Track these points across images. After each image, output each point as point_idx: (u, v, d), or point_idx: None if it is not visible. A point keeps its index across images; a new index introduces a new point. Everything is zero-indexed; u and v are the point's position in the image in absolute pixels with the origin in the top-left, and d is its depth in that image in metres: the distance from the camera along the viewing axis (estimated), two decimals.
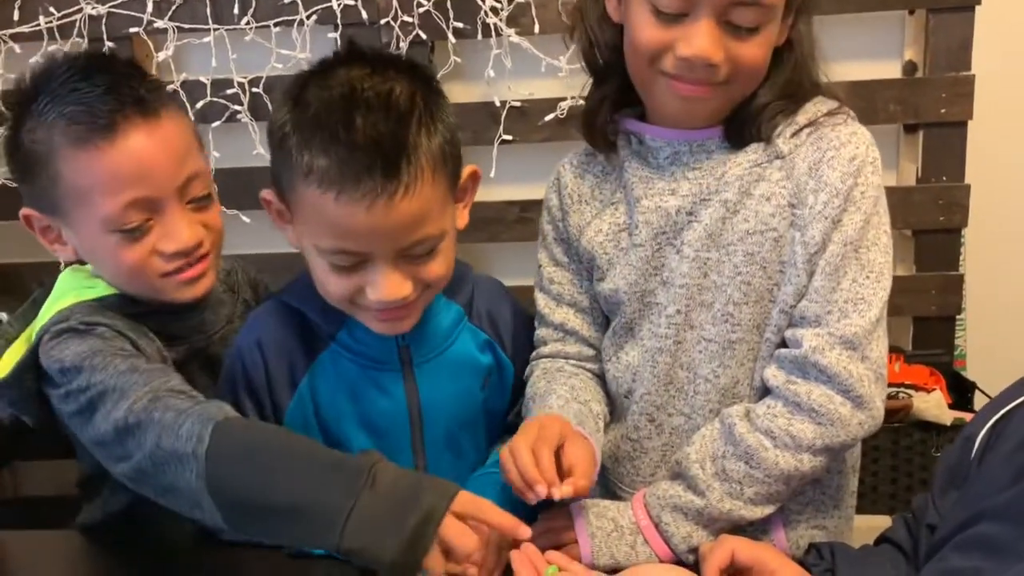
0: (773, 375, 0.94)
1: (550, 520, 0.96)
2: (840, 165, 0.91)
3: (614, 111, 1.00)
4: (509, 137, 1.66)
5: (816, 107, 0.96)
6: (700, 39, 0.87)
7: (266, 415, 0.98)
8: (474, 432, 1.05)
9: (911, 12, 1.60)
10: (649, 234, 0.97)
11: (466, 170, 0.96)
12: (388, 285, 0.89)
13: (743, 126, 0.95)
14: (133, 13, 1.64)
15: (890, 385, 1.48)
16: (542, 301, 1.08)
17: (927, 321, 1.67)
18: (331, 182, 0.85)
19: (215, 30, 1.64)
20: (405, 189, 0.85)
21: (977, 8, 1.54)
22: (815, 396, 0.91)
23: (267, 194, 0.95)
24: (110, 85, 0.94)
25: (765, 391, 0.96)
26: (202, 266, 1.01)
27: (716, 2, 0.87)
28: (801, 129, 0.94)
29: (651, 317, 0.99)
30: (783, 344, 0.95)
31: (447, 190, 0.91)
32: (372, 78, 0.88)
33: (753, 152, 0.95)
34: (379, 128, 0.84)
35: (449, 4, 1.60)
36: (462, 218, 0.98)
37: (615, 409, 1.05)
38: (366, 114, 0.85)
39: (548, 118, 1.64)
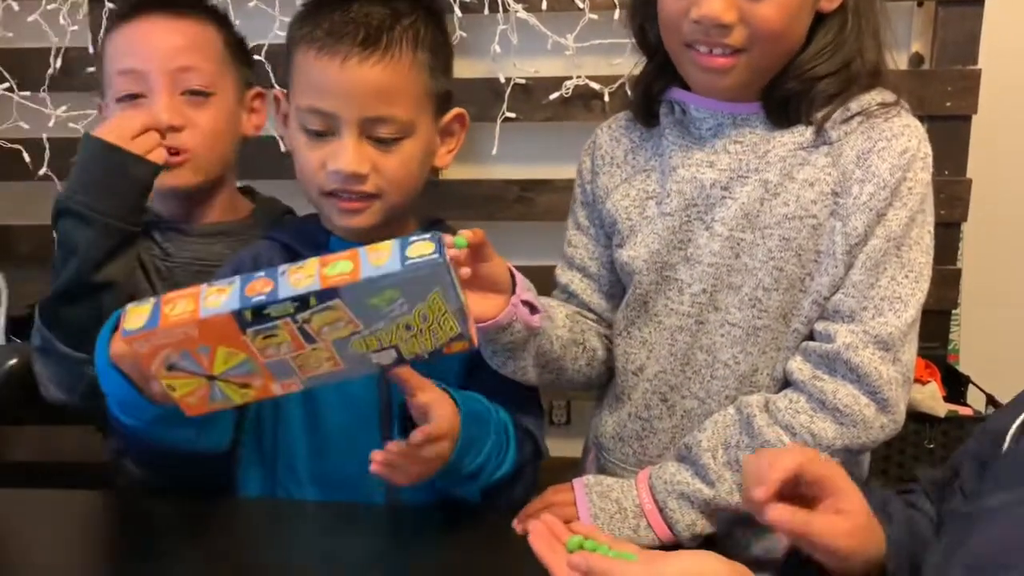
0: (799, 368, 0.93)
1: (553, 495, 0.96)
2: (890, 157, 0.90)
3: (659, 86, 1.00)
4: (512, 115, 1.64)
5: (871, 96, 0.94)
6: (711, 1, 0.87)
7: None
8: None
9: (920, 4, 1.60)
10: (680, 204, 0.96)
11: (454, 110, 1.02)
12: (347, 154, 0.94)
13: (785, 103, 0.93)
14: None
15: None
16: (560, 263, 1.08)
17: (924, 314, 1.64)
18: (316, 39, 0.94)
19: None
20: (379, 57, 0.93)
21: (987, 2, 1.54)
22: (841, 395, 0.90)
23: (278, 92, 1.03)
24: None
25: (785, 382, 0.95)
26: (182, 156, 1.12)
27: None
28: (852, 116, 0.92)
29: (668, 293, 0.98)
30: (810, 336, 0.94)
31: (427, 96, 0.98)
32: None
33: (799, 134, 0.93)
34: (371, 15, 0.94)
35: None
36: (443, 158, 1.03)
37: (621, 386, 1.04)
38: (363, 4, 0.95)
39: (552, 97, 1.63)
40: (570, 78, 1.61)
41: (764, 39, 0.90)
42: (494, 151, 1.65)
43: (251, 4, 1.61)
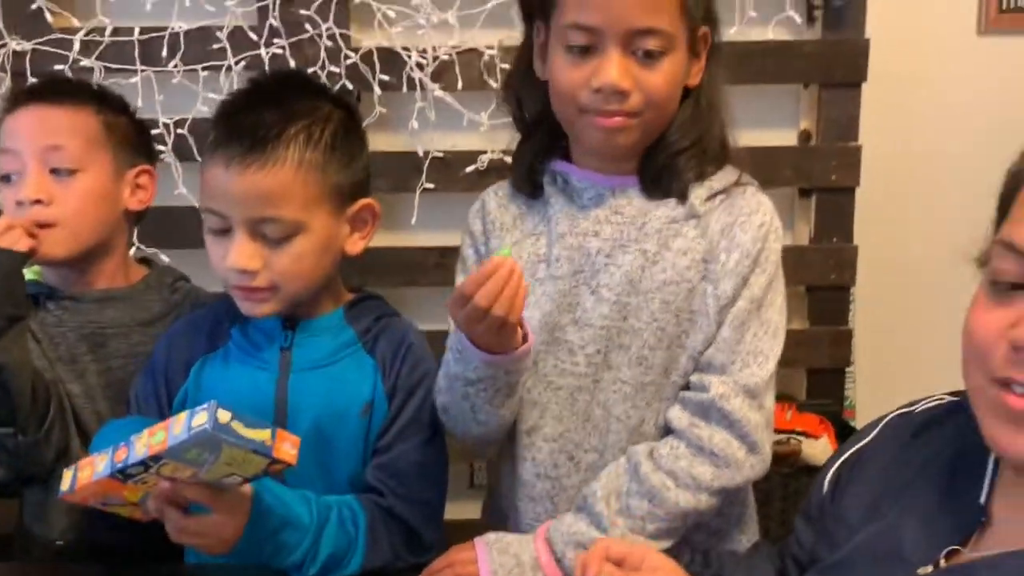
0: (678, 417, 1.01)
1: (454, 553, 1.00)
2: (751, 229, 1.01)
3: (540, 159, 1.09)
4: (431, 186, 1.71)
5: (728, 176, 1.05)
6: (608, 69, 0.97)
7: (159, 392, 1.11)
8: (348, 458, 1.08)
9: (806, 86, 1.74)
10: (569, 269, 1.04)
11: (361, 202, 1.07)
12: (236, 252, 1.00)
13: (658, 176, 1.04)
14: (59, 51, 1.65)
15: (782, 431, 1.57)
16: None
17: (819, 372, 1.78)
18: (212, 143, 1.02)
19: (142, 71, 1.66)
20: (260, 164, 0.99)
21: (864, 85, 1.68)
22: (716, 440, 0.98)
23: None
24: None
25: (668, 429, 1.02)
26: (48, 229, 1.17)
27: (618, 32, 0.96)
28: (715, 194, 1.04)
29: (558, 354, 1.05)
30: (686, 386, 1.03)
31: (321, 195, 1.03)
32: (287, 84, 1.07)
33: (671, 208, 1.03)
34: (259, 124, 1.00)
35: (376, 57, 1.66)
36: (355, 245, 1.09)
37: (518, 447, 1.08)
38: (260, 105, 1.02)
39: (469, 169, 1.70)
40: (485, 152, 1.69)
41: (655, 104, 1.00)
42: (413, 220, 1.72)
43: (174, 81, 1.67)
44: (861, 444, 0.87)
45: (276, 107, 1.02)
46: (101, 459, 0.89)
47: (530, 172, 1.09)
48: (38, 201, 1.17)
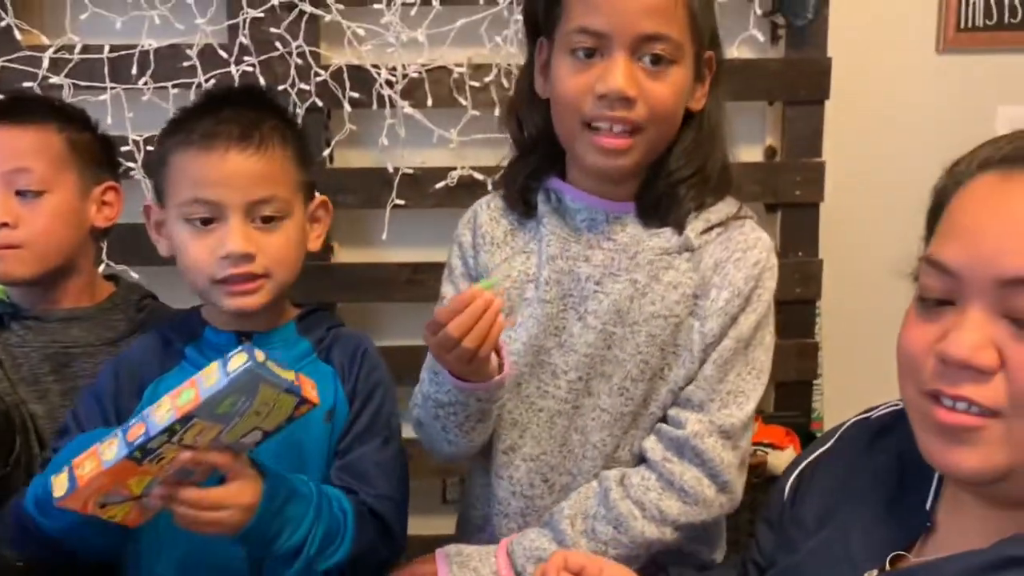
0: (652, 448, 1.01)
1: (417, 565, 1.01)
2: (745, 267, 1.00)
3: (535, 177, 1.07)
4: (401, 202, 1.73)
5: (727, 208, 1.04)
6: (614, 74, 0.94)
7: (108, 419, 1.07)
8: (316, 464, 1.08)
9: (771, 103, 1.77)
10: (557, 293, 1.02)
11: (318, 198, 1.12)
12: (235, 236, 1.01)
13: (657, 203, 1.02)
14: (29, 68, 1.65)
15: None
16: None
17: (787, 385, 1.80)
18: (192, 143, 1.02)
19: (112, 88, 1.66)
20: (255, 149, 1.02)
21: (827, 103, 1.71)
22: (687, 478, 0.98)
23: (149, 203, 1.09)
24: None
25: (642, 458, 1.02)
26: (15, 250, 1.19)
27: (626, 37, 0.94)
28: (712, 227, 1.02)
29: (542, 376, 1.04)
30: (664, 417, 1.02)
31: (297, 183, 1.08)
32: (245, 94, 1.13)
33: (665, 239, 1.01)
34: (241, 116, 1.04)
35: (346, 75, 1.67)
36: (315, 242, 1.11)
37: (495, 464, 1.08)
38: (230, 105, 1.05)
39: (439, 186, 1.72)
40: (455, 168, 1.70)
41: (659, 118, 0.98)
42: (384, 236, 1.73)
43: (144, 98, 1.67)
44: (820, 451, 0.89)
45: (248, 108, 1.07)
46: (107, 447, 0.87)
47: (523, 190, 1.08)
48: (4, 224, 1.18)
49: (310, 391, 0.89)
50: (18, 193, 1.20)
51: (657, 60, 0.96)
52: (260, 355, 0.85)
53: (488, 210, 1.11)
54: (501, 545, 1.02)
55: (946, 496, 0.75)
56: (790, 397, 1.80)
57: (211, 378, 0.84)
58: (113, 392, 1.09)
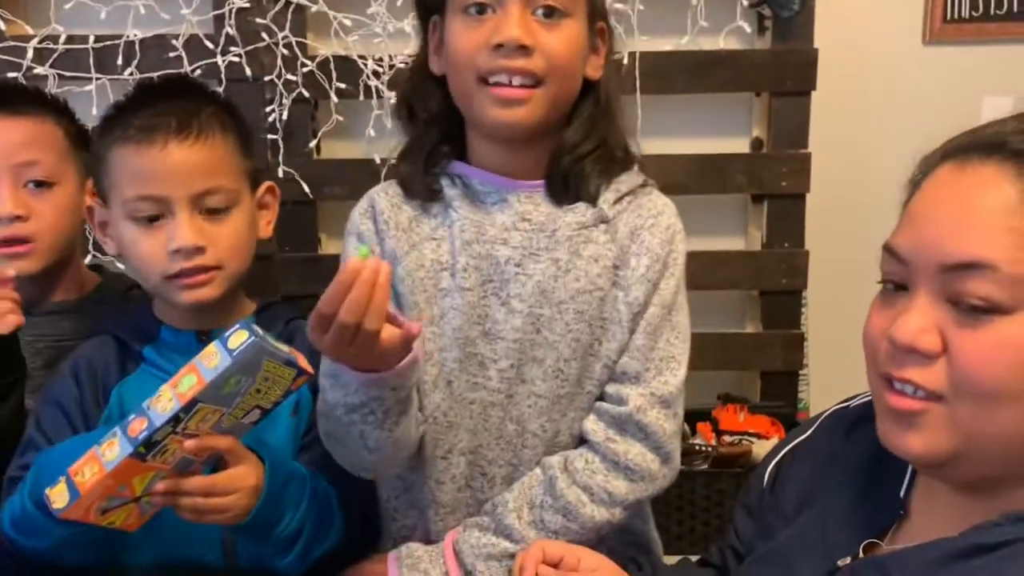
0: (593, 429, 1.00)
1: (366, 566, 1.01)
2: (659, 232, 1.00)
3: (433, 161, 1.04)
4: None
5: (633, 178, 1.04)
6: (509, 24, 0.94)
7: (76, 427, 1.05)
8: (285, 460, 1.04)
9: (757, 94, 1.77)
10: (477, 279, 1.00)
11: (265, 184, 1.10)
12: (184, 230, 0.99)
13: (565, 180, 1.01)
14: (13, 58, 1.64)
15: (735, 433, 1.60)
16: None
17: (773, 375, 1.81)
18: (130, 137, 1.00)
19: (97, 79, 1.66)
20: (195, 138, 1.01)
21: (813, 94, 1.72)
22: (632, 455, 0.98)
23: (90, 201, 1.06)
24: None
25: (582, 439, 1.02)
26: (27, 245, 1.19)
27: None
28: (623, 197, 1.02)
29: (470, 368, 1.00)
30: (601, 396, 1.02)
31: (243, 171, 1.06)
32: (178, 84, 1.10)
33: (580, 214, 1.01)
34: (178, 107, 1.02)
35: (332, 65, 1.66)
36: (265, 229, 1.10)
37: (435, 470, 1.03)
38: (165, 97, 1.03)
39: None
40: None
41: (556, 70, 0.96)
42: None
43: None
44: (800, 439, 0.90)
45: (183, 97, 1.05)
46: (107, 447, 0.85)
47: (423, 176, 1.04)
48: (18, 217, 1.17)
49: (304, 362, 0.88)
50: (25, 185, 1.19)
51: (550, 12, 0.95)
52: (257, 328, 0.85)
53: (387, 196, 1.06)
54: (447, 543, 1.01)
55: (920, 484, 0.76)
56: (776, 387, 1.81)
57: (213, 359, 0.83)
58: (77, 398, 1.06)
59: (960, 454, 0.67)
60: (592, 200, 1.02)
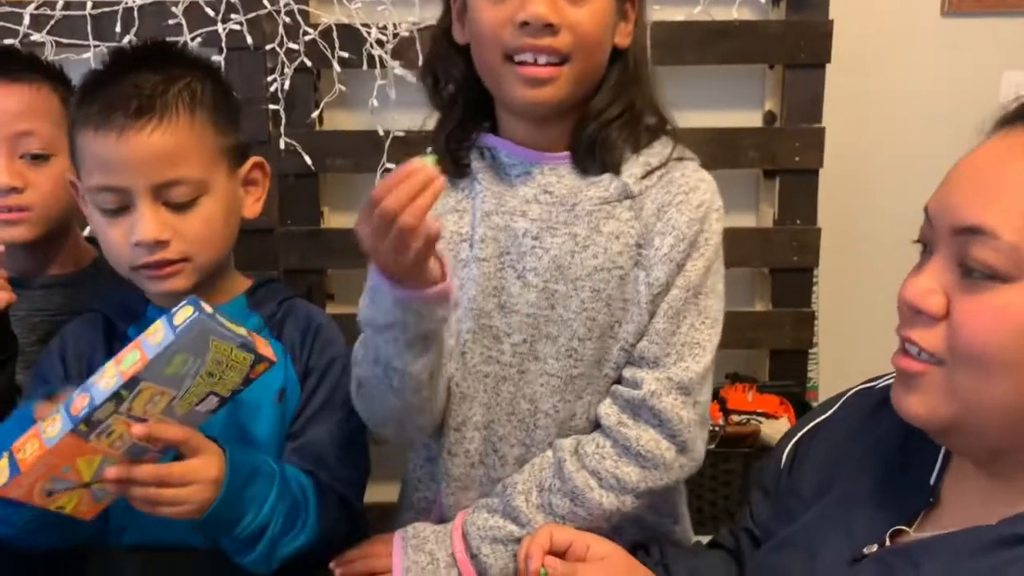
0: (606, 413, 0.97)
1: (373, 544, 0.99)
2: (688, 210, 0.95)
3: (463, 135, 1.02)
4: (391, 166, 1.68)
5: (665, 149, 1.00)
6: (535, 0, 0.90)
7: None
8: (268, 448, 1.02)
9: (771, 67, 1.73)
10: (494, 250, 0.98)
11: (251, 160, 1.03)
12: (145, 223, 0.94)
13: (591, 148, 0.97)
14: (9, 25, 1.60)
15: (743, 413, 1.58)
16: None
17: (782, 354, 1.78)
18: (91, 117, 0.94)
19: (95, 47, 1.62)
20: (156, 123, 0.93)
21: (828, 66, 1.67)
22: (644, 441, 0.94)
23: (71, 176, 1.02)
24: None
25: (597, 423, 0.99)
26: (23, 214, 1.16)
27: None
28: (652, 171, 0.98)
29: (484, 341, 0.98)
30: (619, 379, 0.99)
31: (216, 153, 0.98)
32: (152, 51, 1.01)
33: (603, 188, 0.97)
34: (141, 85, 0.94)
35: (335, 34, 1.62)
36: (252, 208, 1.04)
37: (449, 441, 1.02)
38: (131, 71, 0.96)
39: (430, 149, 1.67)
40: None
41: (584, 47, 0.93)
42: None
43: None
44: (820, 419, 0.87)
45: (150, 71, 0.96)
46: (49, 424, 0.81)
47: (454, 150, 1.02)
48: (13, 188, 1.15)
49: (265, 348, 0.84)
50: (21, 156, 1.17)
51: None
52: (207, 306, 0.80)
53: None
54: (457, 523, 0.98)
55: (951, 471, 0.73)
56: (785, 366, 1.79)
57: (157, 335, 0.78)
58: (62, 376, 1.03)
59: (961, 422, 0.67)
60: (616, 170, 0.97)
